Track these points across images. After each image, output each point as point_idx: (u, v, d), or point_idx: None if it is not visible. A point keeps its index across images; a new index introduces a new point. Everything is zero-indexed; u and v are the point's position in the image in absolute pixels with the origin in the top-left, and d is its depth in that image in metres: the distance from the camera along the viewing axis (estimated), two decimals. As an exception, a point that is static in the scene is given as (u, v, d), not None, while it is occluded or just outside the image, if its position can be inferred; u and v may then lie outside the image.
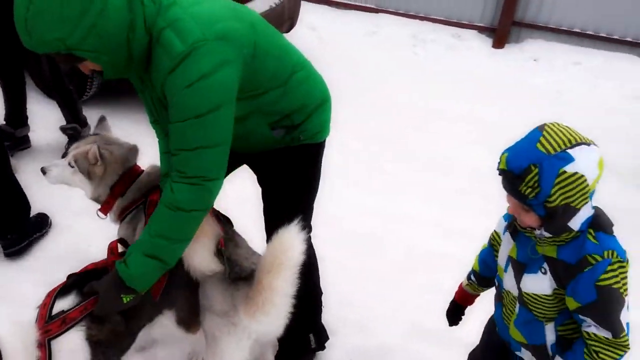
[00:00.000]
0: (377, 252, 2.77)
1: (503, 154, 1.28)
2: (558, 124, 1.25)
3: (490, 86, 4.87)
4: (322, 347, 2.18)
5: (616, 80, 4.88)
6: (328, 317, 2.22)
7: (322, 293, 2.16)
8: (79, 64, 1.49)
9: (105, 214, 1.94)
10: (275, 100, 1.67)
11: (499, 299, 1.54)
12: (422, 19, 6.00)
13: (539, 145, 1.20)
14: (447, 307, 1.78)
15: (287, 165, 1.84)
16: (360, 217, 2.99)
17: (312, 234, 1.98)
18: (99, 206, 1.94)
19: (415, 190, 3.29)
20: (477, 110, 4.38)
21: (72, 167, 1.93)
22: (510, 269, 1.44)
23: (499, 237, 1.55)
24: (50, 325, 1.39)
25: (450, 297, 1.77)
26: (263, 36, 1.60)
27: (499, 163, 1.28)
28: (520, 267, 1.39)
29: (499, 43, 5.74)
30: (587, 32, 5.45)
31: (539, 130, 1.23)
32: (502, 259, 1.48)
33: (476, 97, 4.60)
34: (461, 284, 1.74)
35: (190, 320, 1.82)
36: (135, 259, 1.49)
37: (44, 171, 1.97)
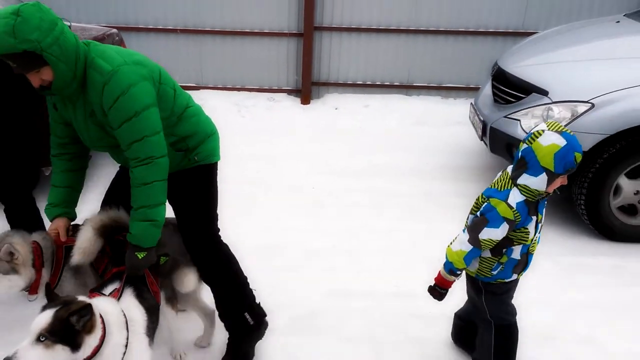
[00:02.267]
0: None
1: (579, 152, 2.04)
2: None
3: (307, 132, 6.10)
4: (261, 323, 2.55)
5: (395, 113, 6.54)
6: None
7: (246, 277, 2.55)
8: (38, 71, 1.95)
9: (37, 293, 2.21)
10: (174, 124, 2.22)
11: (523, 264, 2.29)
12: (239, 89, 7.15)
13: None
14: (430, 291, 2.36)
15: (189, 183, 2.33)
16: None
17: (220, 234, 2.50)
18: None
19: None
20: (305, 147, 5.55)
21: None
22: (538, 231, 2.24)
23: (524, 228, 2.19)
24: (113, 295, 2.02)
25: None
26: (164, 73, 2.23)
27: (575, 160, 2.03)
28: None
29: (305, 100, 7.13)
30: (367, 83, 7.15)
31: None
32: (531, 233, 2.19)
33: (298, 140, 5.79)
34: (443, 277, 2.31)
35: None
36: (133, 224, 2.09)
37: None
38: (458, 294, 2.60)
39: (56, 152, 2.36)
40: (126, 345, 1.95)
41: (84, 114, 2.13)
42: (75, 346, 1.76)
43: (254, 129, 6.08)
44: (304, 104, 7.09)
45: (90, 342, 1.81)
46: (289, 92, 7.25)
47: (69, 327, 1.75)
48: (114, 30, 5.28)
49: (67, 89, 2.04)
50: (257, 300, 2.59)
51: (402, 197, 4.51)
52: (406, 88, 7.11)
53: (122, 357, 1.94)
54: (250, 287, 2.58)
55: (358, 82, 7.15)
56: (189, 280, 2.39)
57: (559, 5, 6.71)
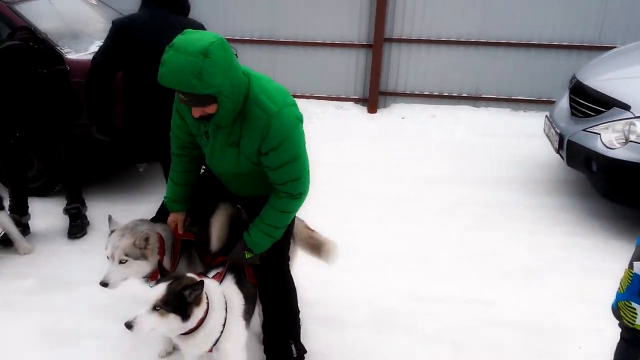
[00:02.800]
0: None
1: None
2: None
3: (375, 140, 6.23)
4: (302, 357, 2.59)
5: (463, 124, 6.57)
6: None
7: (299, 311, 2.61)
8: (205, 107, 1.92)
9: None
10: None
11: None
12: (309, 97, 7.37)
13: None
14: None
15: None
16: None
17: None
18: None
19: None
20: (373, 155, 5.69)
21: (125, 261, 2.27)
22: None
23: None
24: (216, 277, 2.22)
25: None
26: None
27: None
28: None
29: (372, 109, 7.27)
30: (435, 93, 7.21)
31: None
32: None
33: (367, 148, 5.93)
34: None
35: None
36: (255, 233, 2.22)
37: (104, 284, 2.27)
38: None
39: (177, 152, 2.40)
40: (224, 324, 2.15)
41: (224, 141, 2.14)
42: (185, 316, 1.97)
43: (323, 136, 6.25)
44: (370, 113, 7.23)
45: (197, 314, 2.02)
46: (356, 100, 7.41)
47: (182, 299, 1.95)
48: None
49: (222, 121, 2.04)
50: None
51: (470, 206, 4.55)
52: (474, 99, 7.12)
53: (221, 334, 2.14)
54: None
55: (425, 93, 7.22)
56: None
57: (637, 19, 6.56)
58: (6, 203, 3.74)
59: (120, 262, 2.27)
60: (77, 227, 3.86)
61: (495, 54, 6.93)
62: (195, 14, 3.61)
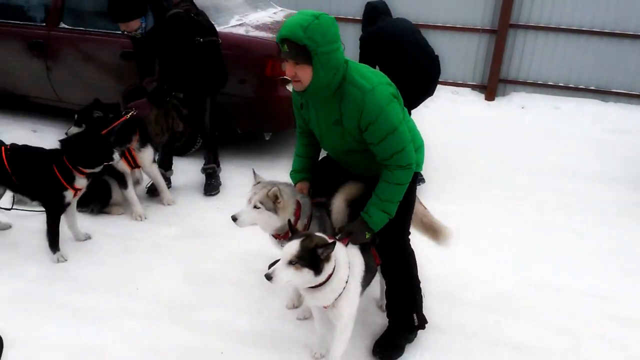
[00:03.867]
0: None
1: None
2: None
3: (492, 127, 6.13)
4: (422, 327, 2.71)
5: (588, 118, 6.27)
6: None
7: (420, 282, 2.72)
8: (299, 65, 2.20)
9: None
10: None
11: None
12: (425, 81, 7.35)
13: None
14: None
15: None
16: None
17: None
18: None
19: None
20: (491, 142, 5.61)
21: (259, 207, 2.52)
22: None
23: None
24: (342, 241, 2.41)
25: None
26: (398, 91, 2.46)
27: None
28: None
29: (490, 96, 7.12)
30: (559, 84, 6.91)
31: None
32: None
33: (483, 135, 5.86)
34: None
35: None
36: (374, 211, 2.39)
37: (234, 218, 2.51)
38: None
39: (300, 130, 2.72)
40: (346, 283, 2.32)
41: (327, 121, 2.40)
42: (318, 271, 2.16)
43: (437, 120, 6.26)
44: (488, 100, 7.09)
45: (327, 270, 2.21)
46: (474, 87, 7.29)
47: (315, 255, 2.15)
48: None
49: (316, 95, 2.30)
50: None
51: (591, 201, 4.40)
52: (603, 93, 6.75)
53: (341, 292, 2.32)
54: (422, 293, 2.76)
55: (549, 83, 6.95)
56: None
57: None
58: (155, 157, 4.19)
59: (255, 207, 2.52)
60: (212, 186, 4.24)
61: (632, 46, 6.50)
62: None
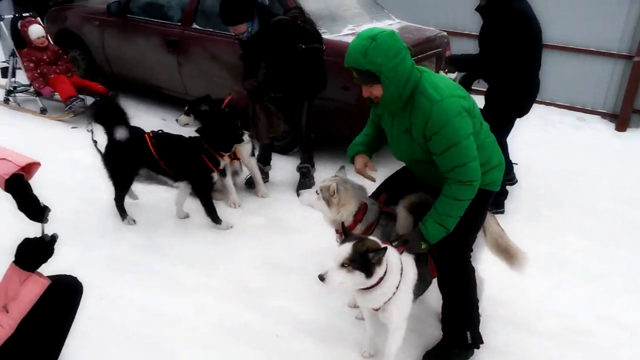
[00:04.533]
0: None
1: None
2: None
3: (617, 159, 5.61)
4: (476, 346, 2.63)
5: None
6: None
7: (478, 301, 2.65)
8: (370, 86, 2.30)
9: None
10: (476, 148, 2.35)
11: None
12: (548, 104, 6.95)
13: None
14: None
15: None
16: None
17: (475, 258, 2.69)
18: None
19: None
20: (610, 173, 5.15)
21: (318, 194, 2.74)
22: None
23: None
24: (397, 248, 2.43)
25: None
26: (477, 107, 2.43)
27: None
28: None
29: (621, 126, 6.54)
30: None
31: None
32: None
33: (604, 165, 5.39)
34: None
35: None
36: (430, 224, 2.36)
37: (298, 194, 2.85)
38: None
39: (370, 122, 2.79)
40: (397, 288, 2.34)
41: (400, 129, 2.44)
42: (369, 274, 2.22)
43: (556, 145, 5.89)
44: (619, 130, 6.52)
45: (378, 273, 2.25)
46: (604, 115, 6.75)
47: (366, 259, 2.19)
48: (444, 33, 5.78)
49: (390, 106, 2.38)
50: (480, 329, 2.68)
51: None
52: None
53: (391, 297, 2.34)
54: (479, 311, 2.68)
55: (693, 118, 6.22)
56: None
57: None
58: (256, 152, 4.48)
59: (316, 193, 2.74)
60: (304, 184, 4.42)
61: None
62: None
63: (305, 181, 4.45)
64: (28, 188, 2.00)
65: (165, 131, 3.83)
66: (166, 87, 5.88)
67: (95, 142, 3.94)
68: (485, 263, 2.82)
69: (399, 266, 2.37)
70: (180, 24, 5.49)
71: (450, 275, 2.57)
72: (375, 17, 5.66)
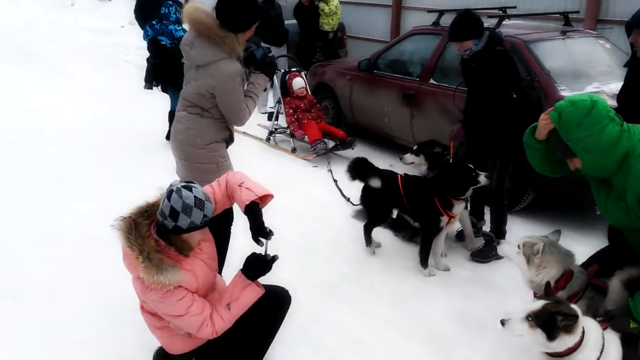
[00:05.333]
0: None
1: None
2: None
3: None
4: None
5: None
6: None
7: None
8: (570, 158, 2.28)
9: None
10: None
11: None
12: None
13: None
14: None
15: None
16: None
17: None
18: None
19: None
20: None
21: (519, 249, 2.66)
22: None
23: None
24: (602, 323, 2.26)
25: None
26: None
27: None
28: None
29: None
30: None
31: None
32: None
33: None
34: None
35: None
36: None
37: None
38: None
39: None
40: None
41: (613, 193, 2.29)
42: (550, 337, 2.12)
43: None
44: None
45: (565, 341, 2.13)
46: None
47: (552, 320, 2.11)
48: None
49: (597, 172, 2.26)
50: None
51: None
52: None
53: None
54: None
55: None
56: None
57: None
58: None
59: (518, 247, 2.69)
60: (482, 254, 4.13)
61: None
62: None
63: (484, 250, 4.13)
64: (259, 214, 2.44)
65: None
66: (397, 135, 6.30)
67: (335, 180, 4.54)
68: None
69: (599, 343, 2.20)
70: (418, 79, 5.88)
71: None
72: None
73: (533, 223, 4.64)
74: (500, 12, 5.71)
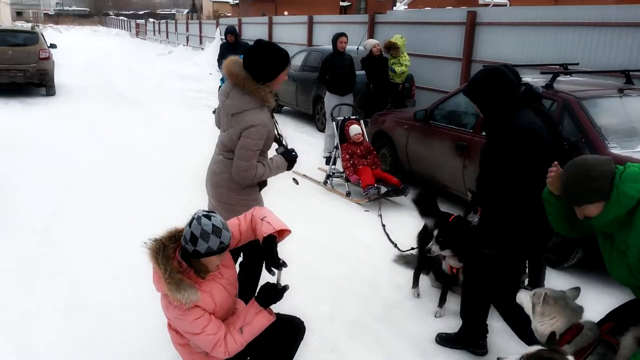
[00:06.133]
0: None
1: None
2: None
3: None
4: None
5: None
6: None
7: None
8: (582, 205, 2.23)
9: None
10: None
11: None
12: None
13: None
14: None
15: None
16: None
17: None
18: None
19: None
20: None
21: (532, 296, 2.68)
22: None
23: None
24: None
25: None
26: None
27: None
28: None
29: None
30: None
31: None
32: None
33: None
34: None
35: None
36: None
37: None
38: None
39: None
40: None
41: (615, 249, 2.28)
42: None
43: None
44: None
45: None
46: None
47: None
48: None
49: (609, 225, 2.23)
50: None
51: None
52: None
53: None
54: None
55: None
56: None
57: None
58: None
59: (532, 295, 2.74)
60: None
61: None
62: None
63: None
64: (274, 246, 2.63)
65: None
66: (449, 185, 6.36)
67: (384, 225, 4.65)
68: None
69: None
70: (471, 130, 5.97)
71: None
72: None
73: (580, 280, 4.51)
74: (562, 68, 5.73)
